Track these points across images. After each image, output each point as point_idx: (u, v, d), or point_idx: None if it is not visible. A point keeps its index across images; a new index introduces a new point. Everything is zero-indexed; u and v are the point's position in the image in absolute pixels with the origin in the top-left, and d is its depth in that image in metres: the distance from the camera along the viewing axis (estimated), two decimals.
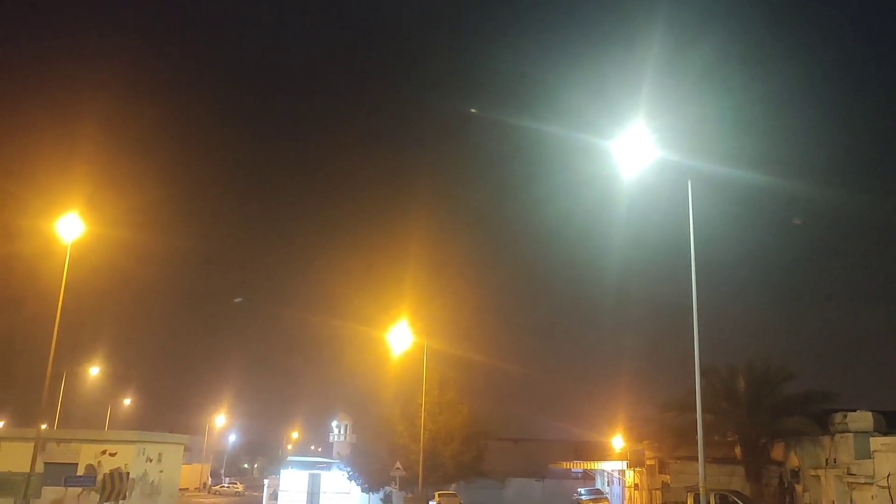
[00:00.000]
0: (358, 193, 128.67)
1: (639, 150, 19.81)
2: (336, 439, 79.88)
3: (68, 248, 28.43)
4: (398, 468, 42.48)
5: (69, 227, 27.13)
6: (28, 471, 22.87)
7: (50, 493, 29.70)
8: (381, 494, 50.74)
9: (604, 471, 54.33)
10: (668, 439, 34.65)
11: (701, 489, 19.60)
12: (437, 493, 43.86)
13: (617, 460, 50.23)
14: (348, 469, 51.10)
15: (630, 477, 47.99)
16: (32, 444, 28.79)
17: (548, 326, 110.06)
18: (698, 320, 19.98)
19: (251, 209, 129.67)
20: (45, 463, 29.66)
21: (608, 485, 53.55)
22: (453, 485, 47.63)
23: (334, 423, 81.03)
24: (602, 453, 53.56)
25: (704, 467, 19.71)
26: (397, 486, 45.40)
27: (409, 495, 44.08)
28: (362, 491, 49.95)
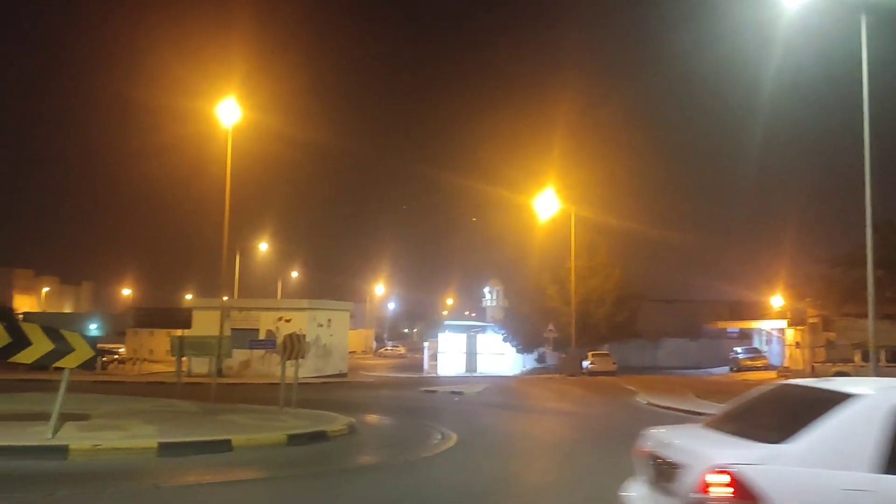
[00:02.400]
0: (507, 56, 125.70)
1: None
2: (489, 304, 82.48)
3: (229, 132, 30.21)
4: (551, 330, 43.59)
5: (229, 111, 28.70)
6: (214, 334, 25.65)
7: (238, 354, 33.18)
8: (534, 355, 52.43)
9: (762, 330, 53.14)
10: (833, 296, 33.25)
11: (870, 344, 18.87)
12: (590, 353, 44.82)
13: (775, 319, 48.89)
14: (502, 332, 52.98)
15: (790, 335, 46.75)
16: (219, 313, 32.16)
17: (703, 186, 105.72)
18: (870, 169, 18.53)
19: (402, 78, 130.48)
20: (231, 329, 32.99)
21: (766, 343, 52.51)
22: (606, 345, 48.40)
23: (486, 289, 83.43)
24: (759, 312, 52.20)
25: (874, 323, 18.85)
26: (550, 347, 46.71)
27: (563, 355, 45.28)
28: (517, 352, 51.81)
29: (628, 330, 49.74)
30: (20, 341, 10.61)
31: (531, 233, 50.40)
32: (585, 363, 44.16)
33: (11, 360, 10.81)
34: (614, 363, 43.91)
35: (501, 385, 34.14)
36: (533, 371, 49.47)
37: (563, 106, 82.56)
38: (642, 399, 24.89)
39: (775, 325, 49.40)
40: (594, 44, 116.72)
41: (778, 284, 48.39)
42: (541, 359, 51.95)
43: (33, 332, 10.79)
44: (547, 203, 44.66)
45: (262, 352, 34.30)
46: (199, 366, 34.15)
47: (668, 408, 21.79)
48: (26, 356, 10.68)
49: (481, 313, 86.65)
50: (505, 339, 51.61)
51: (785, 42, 23.85)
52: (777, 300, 48.71)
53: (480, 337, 50.92)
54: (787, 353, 46.91)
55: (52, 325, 11.71)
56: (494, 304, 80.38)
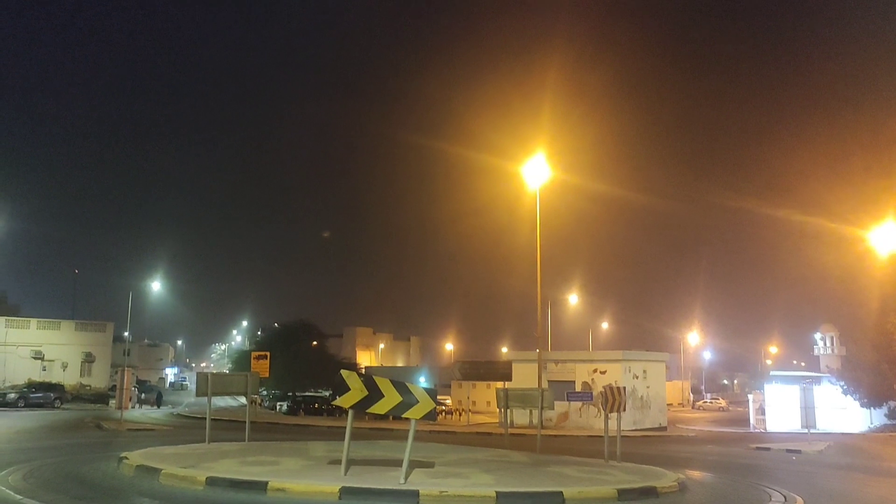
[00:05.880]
0: (825, 63, 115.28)
1: None
2: (822, 352, 74.74)
3: (537, 192, 31.42)
4: None
5: (537, 170, 29.98)
6: (534, 387, 26.49)
7: (556, 406, 33.82)
8: (884, 409, 46.12)
9: None
10: None
11: None
12: None
13: None
14: (841, 383, 47.45)
15: None
16: (535, 365, 33.12)
17: None
18: None
19: (705, 116, 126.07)
20: (547, 381, 33.80)
21: None
22: None
23: (818, 336, 75.78)
24: None
25: None
26: None
27: None
28: (861, 406, 45.97)
29: None
30: (374, 394, 11.92)
31: (870, 269, 44.85)
32: None
33: (368, 411, 12.15)
34: None
35: (847, 443, 30.49)
36: (884, 428, 43.54)
37: None
38: None
39: None
40: None
41: None
42: (892, 414, 45.54)
43: (384, 385, 12.04)
44: (888, 234, 39.46)
45: (579, 404, 34.57)
46: (520, 417, 35.38)
47: None
48: (380, 407, 11.94)
49: (813, 362, 78.66)
50: (845, 392, 46.11)
51: None
52: None
53: (816, 389, 46.03)
54: None
55: (394, 379, 12.98)
56: (829, 351, 72.61)
